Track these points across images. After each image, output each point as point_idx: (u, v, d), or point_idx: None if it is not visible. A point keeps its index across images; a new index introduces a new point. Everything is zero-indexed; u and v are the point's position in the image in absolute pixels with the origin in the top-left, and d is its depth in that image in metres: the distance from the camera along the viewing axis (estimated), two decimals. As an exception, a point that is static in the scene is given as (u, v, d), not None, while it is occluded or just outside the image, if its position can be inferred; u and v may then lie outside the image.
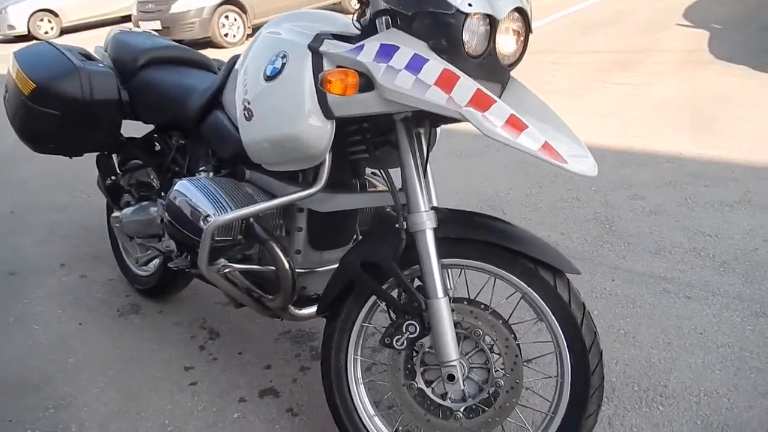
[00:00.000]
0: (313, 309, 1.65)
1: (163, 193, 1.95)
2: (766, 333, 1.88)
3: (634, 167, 3.32)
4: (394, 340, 1.33)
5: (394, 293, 1.37)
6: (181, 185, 1.53)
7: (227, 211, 1.45)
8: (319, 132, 1.32)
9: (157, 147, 2.01)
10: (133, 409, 1.78)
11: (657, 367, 1.78)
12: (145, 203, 2.11)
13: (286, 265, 1.48)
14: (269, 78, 1.37)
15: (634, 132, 3.82)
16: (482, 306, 1.39)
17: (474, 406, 1.36)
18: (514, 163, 3.48)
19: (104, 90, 1.97)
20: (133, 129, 2.18)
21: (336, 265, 1.64)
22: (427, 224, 1.31)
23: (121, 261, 2.46)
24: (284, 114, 1.34)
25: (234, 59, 1.67)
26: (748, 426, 1.53)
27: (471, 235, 1.35)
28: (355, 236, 1.72)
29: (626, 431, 1.56)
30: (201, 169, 1.73)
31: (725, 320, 1.96)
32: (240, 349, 2.03)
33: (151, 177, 2.30)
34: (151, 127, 2.09)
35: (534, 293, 1.32)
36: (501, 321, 1.36)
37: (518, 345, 1.35)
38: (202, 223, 1.44)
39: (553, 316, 1.31)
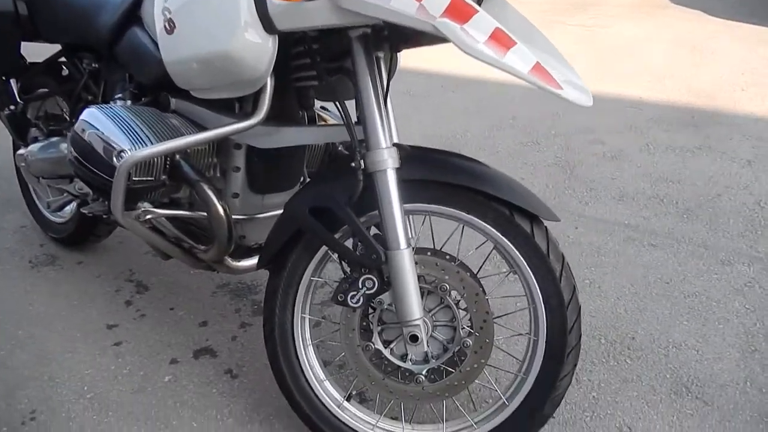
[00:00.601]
0: (253, 261, 1.45)
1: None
2: (732, 282, 1.81)
3: (594, 112, 3.19)
4: (349, 296, 1.15)
5: (348, 243, 1.18)
6: (90, 114, 1.26)
7: (146, 146, 1.20)
8: (257, 50, 1.08)
9: (65, 72, 1.70)
10: (45, 374, 1.55)
11: (624, 319, 1.69)
12: (54, 139, 1.81)
13: (221, 211, 1.26)
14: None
15: (593, 75, 3.69)
16: (448, 257, 1.23)
17: (438, 368, 1.21)
18: (472, 104, 3.30)
19: (-2, 1, 1.64)
20: (38, 53, 1.85)
21: (280, 212, 1.45)
22: (388, 163, 1.11)
23: (32, 205, 2.16)
24: (214, 26, 1.09)
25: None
26: (719, 378, 1.45)
27: (438, 176, 1.16)
28: (302, 178, 1.51)
29: (594, 387, 1.46)
30: (117, 97, 1.46)
31: (691, 269, 1.89)
32: (172, 304, 1.81)
33: (63, 108, 1.99)
34: (57, 47, 1.77)
35: (508, 243, 1.16)
36: (469, 274, 1.20)
37: (488, 300, 1.19)
38: (115, 159, 1.19)
39: (528, 269, 1.16)
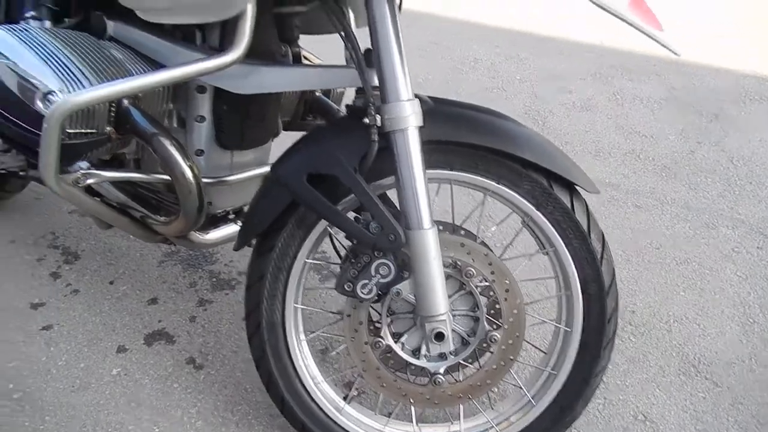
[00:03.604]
0: (222, 232, 1.19)
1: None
2: (719, 247, 1.75)
3: (556, 56, 3.05)
4: (359, 286, 0.93)
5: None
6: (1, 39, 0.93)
7: (83, 86, 0.89)
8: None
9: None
10: (-46, 370, 1.25)
11: (621, 289, 1.58)
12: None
13: (188, 173, 0.98)
14: None
15: (549, 18, 3.52)
16: (468, 235, 1.04)
17: (458, 366, 1.03)
18: (430, 43, 3.05)
19: None
20: None
21: (252, 172, 1.20)
22: (411, 120, 0.88)
23: None
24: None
25: None
26: (724, 356, 1.39)
27: (466, 137, 0.95)
28: (276, 131, 1.24)
29: (597, 365, 1.35)
30: (29, 15, 1.11)
31: (679, 233, 1.81)
32: (110, 276, 1.52)
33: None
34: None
35: (542, 218, 0.99)
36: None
37: (519, 287, 1.02)
38: (40, 104, 0.88)
39: (566, 249, 1.00)
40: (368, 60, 0.98)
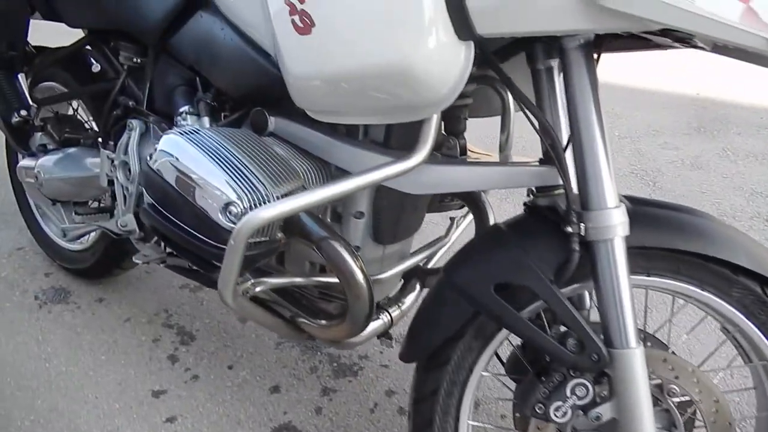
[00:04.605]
0: (368, 329, 1.10)
1: (110, 140, 1.28)
2: None
3: (652, 109, 2.92)
4: (552, 408, 0.83)
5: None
6: (173, 144, 0.88)
7: (260, 193, 0.84)
8: (444, 63, 0.74)
9: (95, 67, 1.29)
10: (81, 468, 1.19)
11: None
12: (72, 151, 1.42)
13: (360, 276, 0.89)
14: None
15: (646, 69, 3.40)
16: (664, 346, 0.92)
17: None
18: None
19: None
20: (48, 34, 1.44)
21: (402, 266, 1.11)
22: (618, 230, 0.79)
23: (36, 227, 1.75)
24: (381, 28, 0.73)
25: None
26: None
27: (673, 242, 0.85)
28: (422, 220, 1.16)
29: None
30: (182, 110, 1.08)
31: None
32: (229, 359, 1.45)
33: (77, 108, 1.59)
34: (77, 31, 1.36)
35: (754, 327, 0.86)
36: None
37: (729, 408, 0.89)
38: (225, 219, 0.82)
39: (782, 371, 0.86)
40: (548, 154, 0.90)
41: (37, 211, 1.73)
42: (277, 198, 0.86)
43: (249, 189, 0.83)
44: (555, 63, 0.95)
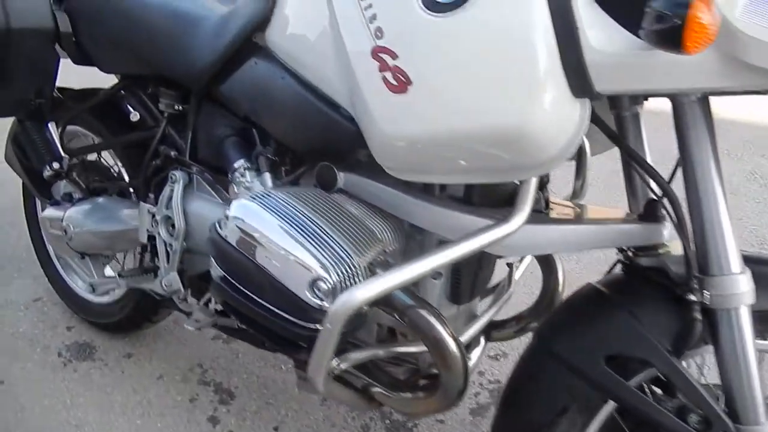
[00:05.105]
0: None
1: (149, 193, 1.20)
2: None
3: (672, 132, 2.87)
4: (672, 496, 0.75)
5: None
6: (245, 210, 0.79)
7: (348, 265, 0.76)
8: (558, 122, 0.67)
9: (134, 115, 1.20)
10: None
11: None
12: (103, 201, 1.34)
13: (452, 345, 0.81)
14: (444, 6, 0.67)
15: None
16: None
17: None
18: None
19: (28, 13, 1.14)
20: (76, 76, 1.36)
21: (476, 326, 1.04)
22: (744, 298, 0.72)
23: (57, 280, 1.65)
24: (488, 85, 0.66)
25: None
26: None
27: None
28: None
29: None
30: (238, 165, 1.00)
31: None
32: (273, 419, 1.36)
33: (104, 158, 1.50)
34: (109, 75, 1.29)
35: None
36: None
37: None
38: (310, 294, 0.74)
39: None
40: (650, 209, 0.84)
41: (58, 261, 1.63)
42: (364, 268, 0.78)
43: (336, 261, 0.75)
44: (641, 108, 0.90)
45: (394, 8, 0.71)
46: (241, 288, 0.79)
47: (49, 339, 1.60)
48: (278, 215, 0.78)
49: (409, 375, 1.01)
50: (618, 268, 0.92)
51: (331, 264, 0.75)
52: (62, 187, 1.42)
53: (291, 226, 0.77)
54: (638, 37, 0.59)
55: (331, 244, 0.76)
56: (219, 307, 1.13)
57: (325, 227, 0.79)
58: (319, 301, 0.74)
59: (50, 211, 1.40)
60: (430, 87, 0.69)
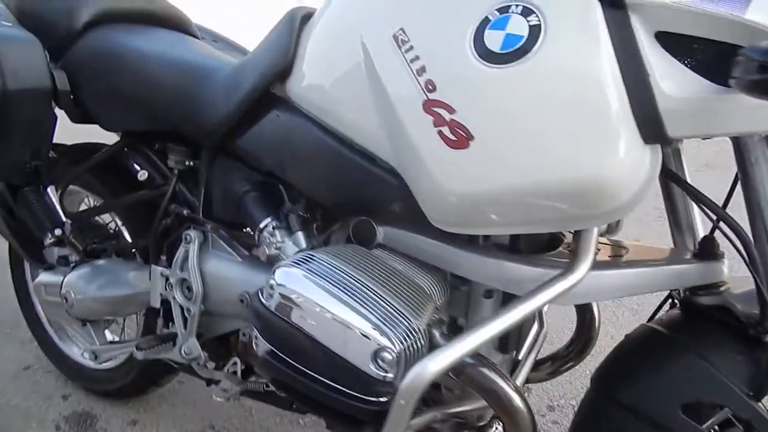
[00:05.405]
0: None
1: (161, 254, 1.13)
2: None
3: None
4: None
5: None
6: (290, 277, 0.73)
7: (405, 327, 0.71)
8: (633, 169, 0.65)
9: (142, 174, 1.13)
10: None
11: None
12: (105, 264, 1.25)
13: (519, 402, 0.76)
14: (502, 57, 0.65)
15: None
16: None
17: None
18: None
19: (24, 72, 1.07)
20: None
21: (525, 372, 1.00)
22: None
23: (49, 346, 1.54)
24: (556, 139, 0.63)
25: (300, 12, 0.91)
26: None
27: None
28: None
29: None
30: (266, 224, 0.94)
31: None
32: (298, 483, 1.29)
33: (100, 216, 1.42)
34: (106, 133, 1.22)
35: None
36: None
37: None
38: (374, 366, 0.68)
39: None
40: (707, 247, 0.82)
41: (51, 327, 1.53)
42: (424, 331, 0.73)
43: (396, 327, 0.70)
44: (681, 143, 0.89)
45: (445, 61, 0.68)
46: (293, 363, 0.73)
47: (45, 411, 1.49)
48: (325, 280, 0.72)
49: (454, 430, 0.96)
50: (667, 306, 0.90)
51: (393, 331, 0.70)
52: (56, 250, 1.33)
53: (343, 292, 0.72)
54: (724, 85, 0.57)
55: (388, 308, 0.72)
56: (242, 371, 1.07)
57: (377, 289, 0.74)
58: (383, 373, 0.69)
59: (45, 277, 1.31)
60: (494, 141, 0.66)
